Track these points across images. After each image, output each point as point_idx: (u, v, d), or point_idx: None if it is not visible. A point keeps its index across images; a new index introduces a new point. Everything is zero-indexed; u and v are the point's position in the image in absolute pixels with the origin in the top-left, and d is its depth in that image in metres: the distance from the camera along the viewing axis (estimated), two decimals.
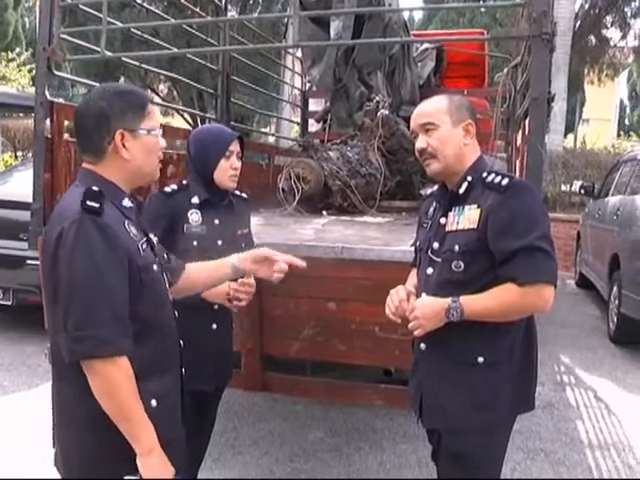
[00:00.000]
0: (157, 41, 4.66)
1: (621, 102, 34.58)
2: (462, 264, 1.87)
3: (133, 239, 1.57)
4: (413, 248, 2.21)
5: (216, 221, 2.38)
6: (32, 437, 3.42)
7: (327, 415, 3.95)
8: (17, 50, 18.64)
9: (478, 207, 1.86)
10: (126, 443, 1.49)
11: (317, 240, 3.08)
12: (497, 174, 1.90)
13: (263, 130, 14.26)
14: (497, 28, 12.49)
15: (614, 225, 6.18)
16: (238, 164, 2.41)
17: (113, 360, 1.45)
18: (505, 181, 1.85)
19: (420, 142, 1.98)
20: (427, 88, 6.11)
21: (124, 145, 1.58)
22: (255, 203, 2.78)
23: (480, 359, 1.88)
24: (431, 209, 2.09)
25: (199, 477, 2.54)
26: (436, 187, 2.12)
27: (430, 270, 1.97)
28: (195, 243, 2.32)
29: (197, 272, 1.92)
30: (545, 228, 1.83)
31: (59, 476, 1.64)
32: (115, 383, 1.46)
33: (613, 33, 17.20)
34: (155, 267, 1.63)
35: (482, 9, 17.11)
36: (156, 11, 4.51)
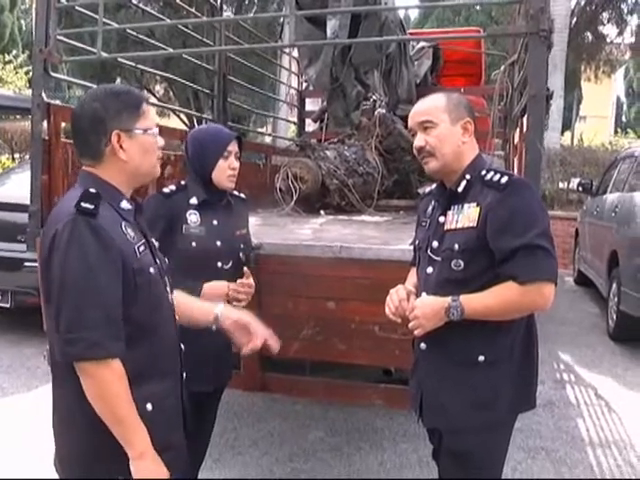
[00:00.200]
0: (153, 41, 4.65)
1: (618, 99, 34.61)
2: (462, 263, 1.86)
3: (129, 241, 1.56)
4: (412, 247, 2.21)
5: (215, 222, 2.37)
6: (31, 439, 3.41)
7: (327, 415, 3.94)
8: (14, 52, 18.64)
9: (477, 205, 1.86)
10: (122, 448, 1.48)
11: (315, 239, 3.08)
12: (496, 172, 1.90)
13: (260, 130, 14.24)
14: (493, 26, 12.47)
15: (613, 222, 6.18)
16: (236, 164, 2.40)
17: (105, 362, 1.45)
18: (504, 179, 1.85)
19: (418, 140, 1.97)
20: (424, 87, 6.12)
21: (121, 146, 1.57)
22: (252, 203, 2.77)
23: (481, 358, 1.88)
24: (430, 208, 2.08)
25: (199, 477, 2.54)
26: (434, 186, 2.11)
27: (430, 269, 1.96)
28: (194, 244, 2.31)
29: (180, 303, 1.83)
30: (545, 225, 1.82)
31: (58, 476, 1.64)
32: (107, 385, 1.45)
33: (609, 30, 17.23)
34: (152, 270, 1.61)
35: (477, 7, 17.12)
36: (152, 11, 4.49)
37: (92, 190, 1.53)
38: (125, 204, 1.62)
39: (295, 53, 6.87)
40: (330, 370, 3.06)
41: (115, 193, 1.60)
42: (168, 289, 1.71)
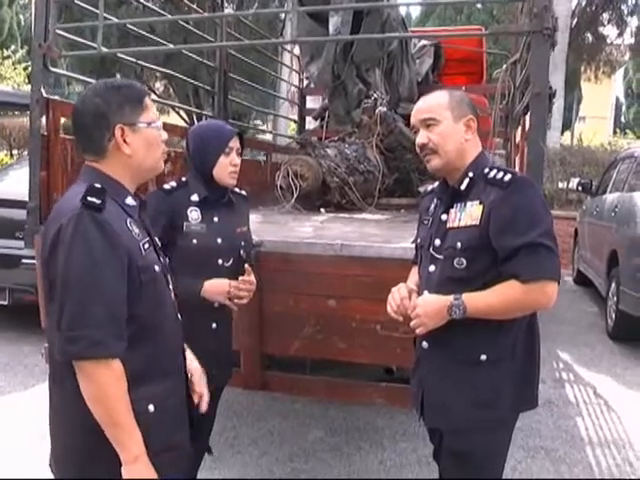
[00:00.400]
0: (153, 37, 4.63)
1: (617, 100, 34.62)
2: (464, 261, 1.85)
3: (135, 238, 1.53)
4: (414, 245, 2.19)
5: (215, 219, 2.35)
6: (29, 437, 3.40)
7: (327, 414, 3.93)
8: (12, 48, 18.56)
9: (480, 203, 1.84)
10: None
11: (316, 237, 3.07)
12: (499, 170, 1.88)
13: (260, 128, 14.24)
14: (495, 25, 12.47)
15: (612, 222, 6.17)
16: (238, 161, 2.38)
17: (106, 362, 1.42)
18: (507, 177, 1.84)
19: (421, 137, 1.95)
20: (425, 85, 6.10)
21: (125, 140, 1.55)
22: (253, 200, 2.76)
23: (483, 357, 1.86)
24: (432, 206, 2.07)
25: (198, 477, 2.52)
26: (436, 184, 2.10)
27: (432, 267, 1.95)
28: (195, 241, 2.29)
29: None
30: (548, 224, 1.81)
31: (53, 476, 1.62)
32: (105, 386, 1.42)
33: (610, 31, 17.24)
34: (157, 268, 1.59)
35: (479, 6, 17.11)
36: (153, 7, 4.47)
37: (97, 185, 1.50)
38: (130, 200, 1.59)
39: (296, 50, 6.86)
40: (330, 369, 3.05)
41: (120, 189, 1.57)
42: (171, 287, 1.69)
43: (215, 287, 2.27)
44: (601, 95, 27.79)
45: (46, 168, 2.96)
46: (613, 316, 5.85)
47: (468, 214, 1.87)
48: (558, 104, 11.49)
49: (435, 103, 1.95)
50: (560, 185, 11.21)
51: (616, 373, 4.95)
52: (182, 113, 14.39)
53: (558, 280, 1.79)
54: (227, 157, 2.34)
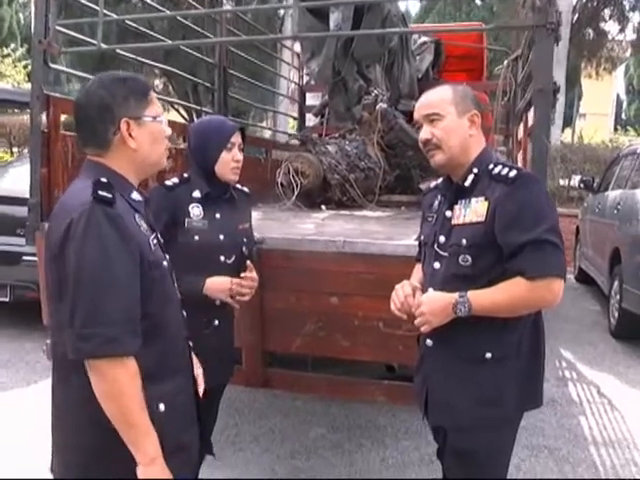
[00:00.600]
0: (153, 33, 4.60)
1: (618, 97, 34.56)
2: (469, 258, 1.83)
3: (144, 233, 1.50)
4: (417, 242, 2.17)
5: (217, 215, 2.33)
6: (31, 434, 3.38)
7: (329, 411, 3.91)
8: (12, 46, 18.54)
9: (485, 199, 1.82)
10: (127, 449, 1.41)
11: (318, 234, 3.05)
12: (504, 166, 1.86)
13: (260, 124, 14.21)
14: (495, 21, 12.45)
15: (615, 219, 6.15)
16: (240, 156, 2.36)
17: (121, 361, 1.37)
18: (512, 173, 1.81)
19: (424, 133, 1.93)
20: (425, 82, 6.07)
21: (130, 134, 1.51)
22: (253, 198, 2.74)
23: (488, 355, 1.84)
24: (435, 202, 2.05)
25: (200, 476, 2.50)
26: (440, 180, 2.08)
27: (436, 264, 1.93)
28: (196, 237, 2.27)
29: None
30: (553, 220, 1.79)
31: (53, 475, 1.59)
32: (121, 386, 1.37)
33: (611, 26, 17.19)
34: (165, 264, 1.57)
35: (478, 2, 17.08)
36: (152, 3, 4.44)
37: (104, 180, 1.46)
38: (136, 195, 1.56)
39: (296, 47, 6.83)
40: (332, 366, 3.03)
41: (125, 184, 1.54)
42: (175, 284, 1.66)
43: (217, 285, 2.25)
44: (602, 92, 27.76)
45: (47, 165, 2.94)
46: (616, 314, 5.82)
47: (473, 210, 1.84)
48: (560, 101, 11.45)
49: (439, 98, 1.93)
50: (561, 182, 11.19)
51: (619, 372, 4.93)
52: (181, 110, 14.35)
53: (564, 277, 1.77)
54: (229, 153, 2.32)
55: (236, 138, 2.35)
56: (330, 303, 2.74)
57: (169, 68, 5.21)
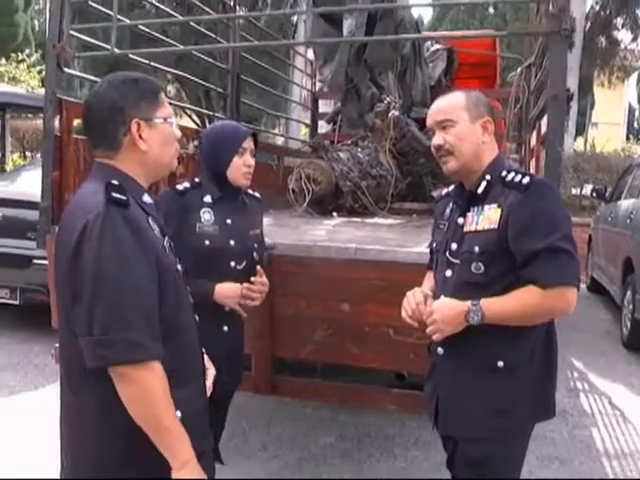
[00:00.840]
0: (165, 38, 4.63)
1: (630, 106, 34.37)
2: (482, 266, 1.80)
3: (157, 236, 1.48)
4: (429, 249, 2.16)
5: (228, 220, 2.33)
6: (38, 437, 3.37)
7: (337, 419, 3.88)
8: (27, 52, 18.70)
9: (499, 206, 1.80)
10: (146, 456, 1.38)
11: (329, 241, 3.04)
12: (517, 172, 1.84)
13: (272, 131, 14.24)
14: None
15: (627, 228, 6.09)
16: (252, 161, 2.36)
17: (146, 365, 1.34)
18: (526, 180, 1.79)
19: (437, 139, 1.91)
20: (438, 89, 6.05)
21: (141, 136, 1.49)
22: (264, 204, 2.74)
23: (500, 363, 1.82)
24: (447, 210, 2.03)
25: None
26: (452, 187, 2.06)
27: (448, 272, 1.91)
28: (207, 242, 2.27)
29: None
30: (567, 228, 1.76)
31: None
32: (150, 390, 1.34)
33: (624, 35, 17.07)
34: (179, 267, 1.55)
35: (492, 10, 17.06)
36: (165, 9, 4.46)
37: (115, 182, 1.43)
38: (147, 198, 1.53)
39: (309, 54, 6.84)
40: (341, 373, 3.01)
41: (136, 186, 1.51)
42: (188, 289, 1.64)
43: (227, 291, 2.24)
44: (614, 101, 27.61)
45: (59, 168, 2.95)
46: (628, 324, 5.76)
47: (486, 218, 1.82)
48: (572, 109, 11.41)
49: (451, 104, 1.92)
50: (573, 191, 11.13)
51: (631, 383, 4.86)
52: (194, 116, 14.42)
53: (578, 285, 1.74)
54: (241, 158, 2.31)
55: (248, 143, 2.35)
56: (341, 310, 2.72)
57: (182, 73, 5.24)
